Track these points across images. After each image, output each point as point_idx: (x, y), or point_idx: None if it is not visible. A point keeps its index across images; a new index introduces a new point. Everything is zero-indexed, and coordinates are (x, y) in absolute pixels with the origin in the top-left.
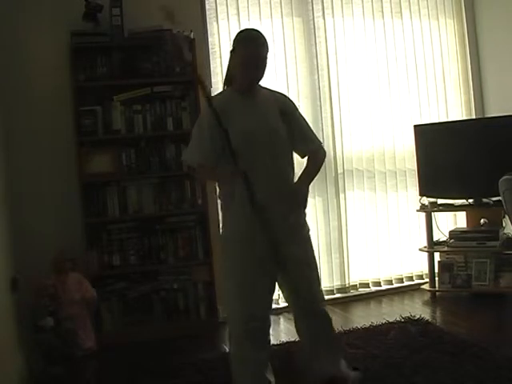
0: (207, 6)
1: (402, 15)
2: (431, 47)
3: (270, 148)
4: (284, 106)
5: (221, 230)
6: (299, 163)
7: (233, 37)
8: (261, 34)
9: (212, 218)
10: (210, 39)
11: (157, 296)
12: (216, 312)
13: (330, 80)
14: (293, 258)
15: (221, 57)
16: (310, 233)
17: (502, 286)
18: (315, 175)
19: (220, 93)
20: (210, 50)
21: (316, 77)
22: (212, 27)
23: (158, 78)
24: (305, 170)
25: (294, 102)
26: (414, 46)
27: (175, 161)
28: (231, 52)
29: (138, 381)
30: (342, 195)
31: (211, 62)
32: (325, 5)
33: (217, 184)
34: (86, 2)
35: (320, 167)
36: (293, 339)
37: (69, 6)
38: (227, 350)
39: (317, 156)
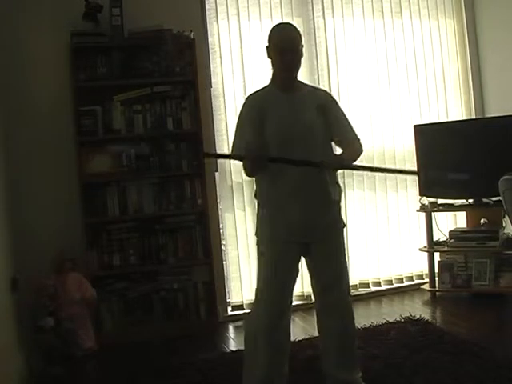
0: (207, 6)
1: (402, 15)
2: (431, 47)
3: (306, 144)
4: (324, 102)
5: (256, 229)
6: None
7: (233, 36)
8: (293, 25)
9: (212, 218)
10: (210, 39)
11: (157, 296)
12: (216, 312)
13: (330, 80)
14: (324, 253)
15: (221, 57)
16: None
17: (502, 286)
18: (351, 159)
19: (261, 88)
20: (210, 50)
21: (316, 77)
22: (212, 27)
23: (158, 78)
24: (342, 152)
25: (334, 97)
26: (414, 45)
27: (175, 161)
28: (267, 48)
29: (138, 381)
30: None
31: (211, 61)
32: (325, 5)
33: (256, 180)
34: (86, 1)
35: (357, 155)
36: (293, 339)
37: (69, 5)
38: (227, 349)
39: (353, 145)
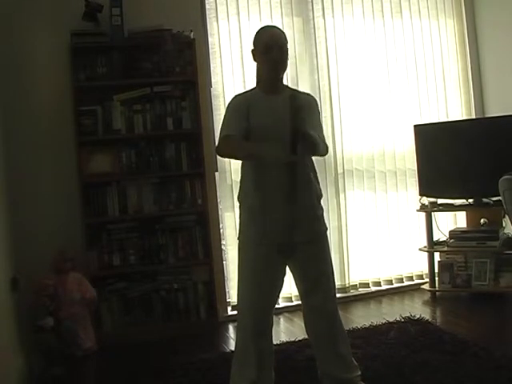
0: (207, 6)
1: (402, 15)
2: (431, 47)
3: (284, 144)
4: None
5: (238, 231)
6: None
7: (233, 36)
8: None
9: (212, 218)
10: (210, 39)
11: (157, 296)
12: (216, 312)
13: (329, 80)
14: (311, 253)
15: (221, 57)
16: None
17: (502, 286)
18: (315, 144)
19: (246, 91)
20: (210, 50)
21: (316, 77)
22: (212, 27)
23: (158, 78)
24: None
25: (317, 104)
26: (414, 45)
27: (175, 161)
28: (252, 51)
29: (138, 381)
30: (342, 195)
31: (211, 61)
32: (325, 5)
33: (242, 169)
34: (86, 1)
35: (319, 149)
36: (293, 339)
37: (69, 6)
38: (227, 349)
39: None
